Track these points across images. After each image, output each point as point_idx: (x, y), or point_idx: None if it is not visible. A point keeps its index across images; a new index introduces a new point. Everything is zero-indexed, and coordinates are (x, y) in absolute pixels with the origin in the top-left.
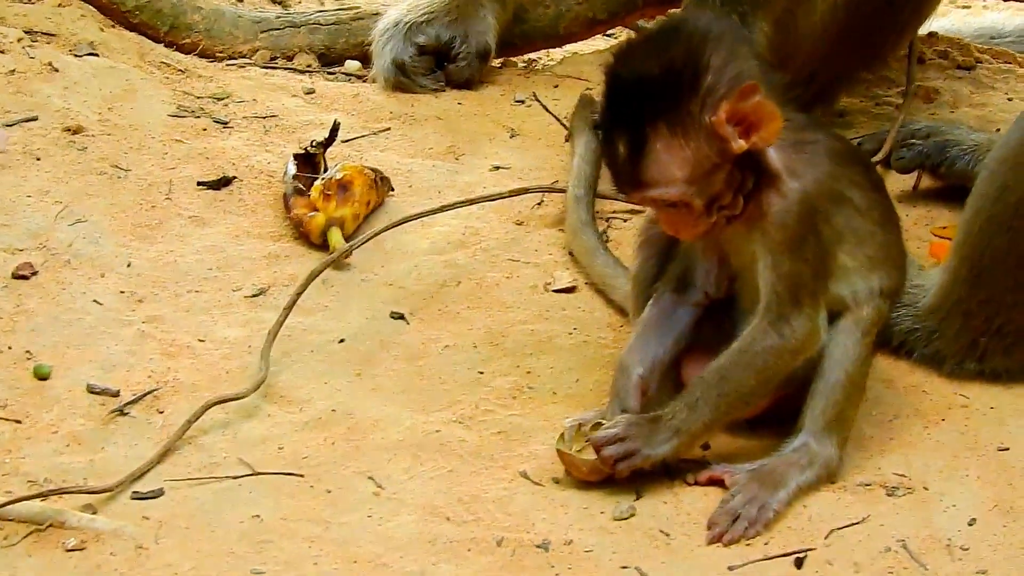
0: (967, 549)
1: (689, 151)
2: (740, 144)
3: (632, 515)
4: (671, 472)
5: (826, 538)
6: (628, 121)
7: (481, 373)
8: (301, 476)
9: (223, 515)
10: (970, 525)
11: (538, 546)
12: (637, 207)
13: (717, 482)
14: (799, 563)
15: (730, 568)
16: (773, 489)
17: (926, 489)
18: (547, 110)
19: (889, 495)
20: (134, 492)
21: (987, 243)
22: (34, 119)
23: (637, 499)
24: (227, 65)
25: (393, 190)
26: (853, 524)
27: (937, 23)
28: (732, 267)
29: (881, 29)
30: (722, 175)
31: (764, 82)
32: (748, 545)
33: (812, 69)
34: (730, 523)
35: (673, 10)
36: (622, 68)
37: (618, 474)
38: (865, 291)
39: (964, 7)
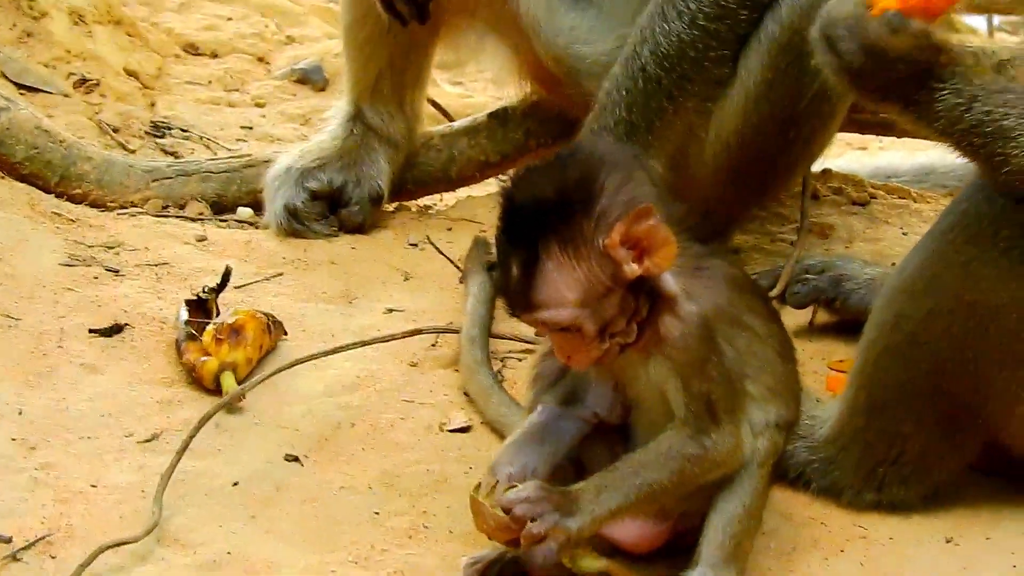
0: None
1: (581, 273)
2: (633, 268)
3: None
4: None
5: None
6: (521, 242)
7: (377, 513)
8: None
9: None
10: None
11: None
12: (532, 347)
13: None
14: None
15: None
16: None
17: None
18: (441, 253)
19: None
20: None
21: (884, 372)
22: None
23: None
24: (118, 214)
25: (287, 334)
26: None
27: (833, 163)
28: (628, 396)
29: (773, 166)
30: (615, 300)
31: (660, 207)
32: None
33: (705, 206)
34: None
35: None
36: (517, 189)
37: (525, 536)
38: (762, 422)
39: (860, 148)
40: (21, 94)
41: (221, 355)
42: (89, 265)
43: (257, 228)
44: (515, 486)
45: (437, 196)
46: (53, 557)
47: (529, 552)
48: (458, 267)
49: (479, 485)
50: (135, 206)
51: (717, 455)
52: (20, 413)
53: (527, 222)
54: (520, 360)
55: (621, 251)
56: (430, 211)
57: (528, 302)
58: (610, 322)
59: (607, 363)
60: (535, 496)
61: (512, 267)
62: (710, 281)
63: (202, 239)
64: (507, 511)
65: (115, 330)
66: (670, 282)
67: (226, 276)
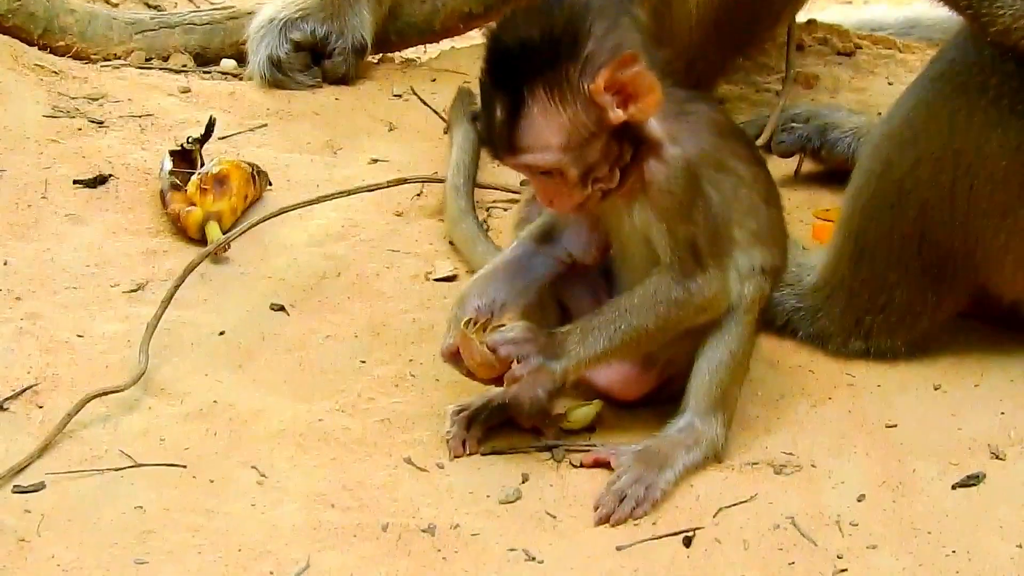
0: (856, 525)
1: (565, 118)
2: (618, 114)
3: (518, 498)
4: (556, 454)
5: (714, 517)
6: (506, 85)
7: (363, 362)
8: (183, 467)
9: (105, 507)
10: (859, 501)
11: (424, 531)
12: (516, 196)
13: (603, 464)
14: (687, 542)
15: (618, 548)
16: (659, 469)
17: (814, 467)
18: (425, 103)
19: (777, 473)
20: (15, 486)
21: (871, 220)
22: None
23: (523, 482)
24: (102, 67)
25: (271, 184)
26: (741, 502)
27: (818, 16)
28: (611, 241)
29: (757, 15)
30: (599, 145)
31: (645, 55)
32: (636, 525)
33: (689, 57)
34: (617, 503)
35: None
36: (504, 32)
37: (507, 378)
38: (747, 266)
39: (845, 2)
40: None
41: (206, 205)
42: (73, 117)
43: (241, 79)
44: (503, 325)
45: (421, 48)
46: (40, 407)
47: (516, 400)
48: (442, 117)
49: (470, 320)
50: (118, 58)
51: (702, 299)
52: (5, 264)
53: (513, 66)
54: (505, 209)
55: (606, 96)
56: (414, 62)
57: (512, 146)
58: (593, 167)
59: (590, 208)
60: (521, 337)
61: (496, 111)
62: (694, 126)
63: (186, 91)
64: (492, 351)
65: (99, 181)
66: (655, 127)
67: (210, 127)
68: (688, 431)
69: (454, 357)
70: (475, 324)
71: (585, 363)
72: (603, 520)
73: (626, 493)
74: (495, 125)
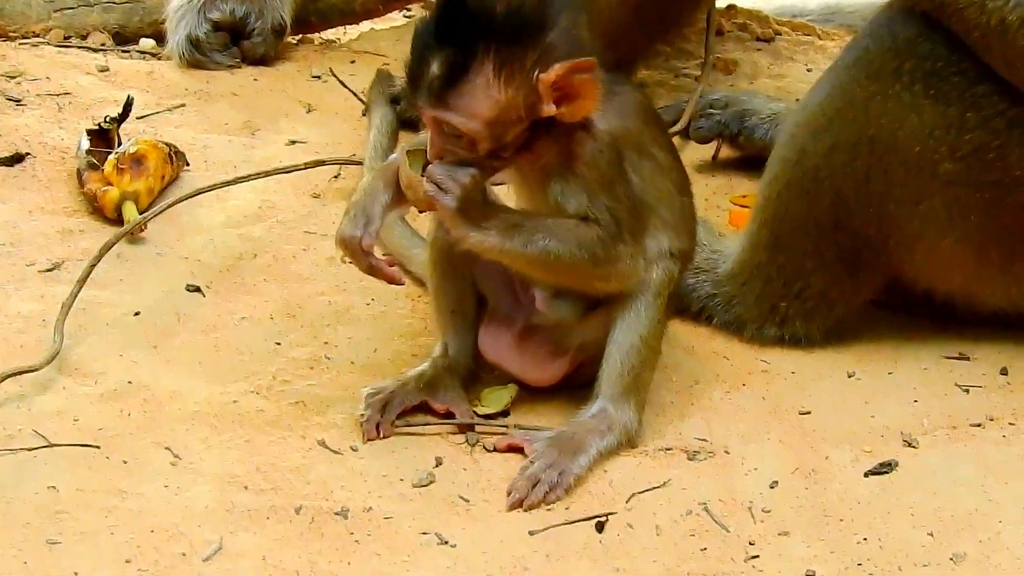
0: (769, 511)
1: (504, 96)
2: (550, 109)
3: (432, 482)
4: (470, 439)
5: (627, 502)
6: (456, 43)
7: (278, 344)
8: (97, 448)
9: (18, 487)
10: (772, 488)
11: (337, 513)
12: None
13: (516, 449)
14: (600, 527)
15: (531, 533)
16: (573, 455)
17: (727, 453)
18: (344, 85)
19: (690, 459)
20: None
21: (786, 207)
22: None
23: (437, 466)
24: (20, 44)
25: (188, 165)
26: (654, 488)
27: (738, 1)
28: (523, 203)
29: (677, 1)
30: (516, 130)
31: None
32: (549, 510)
33: (609, 40)
34: (530, 488)
35: None
36: None
37: (423, 198)
38: (656, 250)
39: None
40: None
41: (123, 185)
42: None
43: (159, 59)
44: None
45: (341, 29)
46: None
47: (431, 385)
48: (361, 99)
49: (415, 151)
50: (37, 36)
51: (617, 267)
52: None
53: (470, 28)
54: None
55: (548, 91)
56: (333, 44)
57: (440, 101)
58: (500, 148)
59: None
60: (456, 177)
61: (435, 62)
62: (622, 107)
63: (104, 69)
64: (429, 176)
65: (16, 159)
66: None
67: (128, 106)
68: (601, 417)
69: (345, 243)
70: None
71: (492, 251)
72: (516, 505)
73: (539, 478)
74: (428, 75)
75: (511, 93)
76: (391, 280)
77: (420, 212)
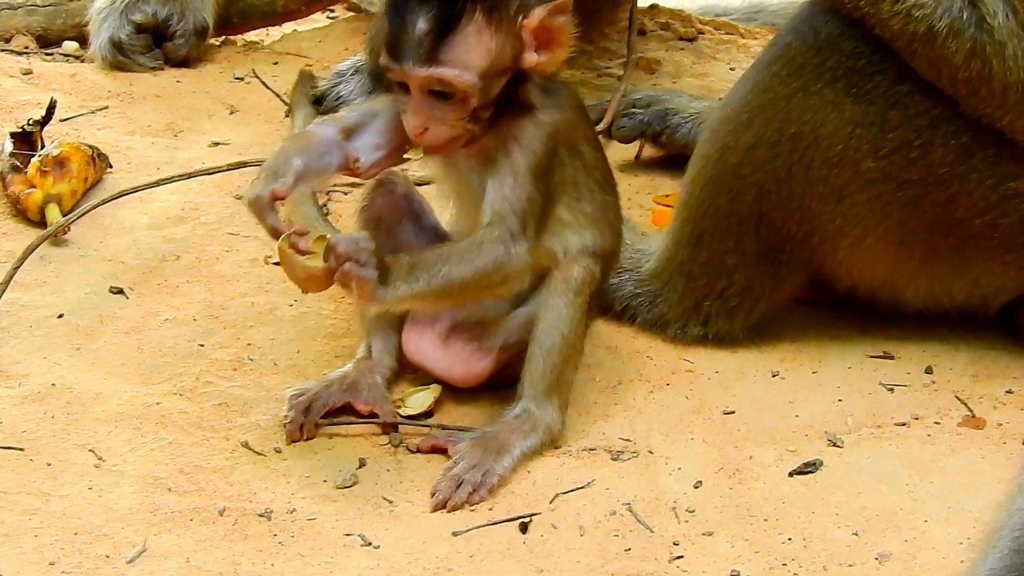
0: (693, 511)
1: (495, 44)
2: (532, 57)
3: (355, 483)
4: (393, 440)
5: (551, 502)
6: None
7: (201, 345)
8: (21, 450)
9: None
10: (696, 487)
11: (260, 515)
12: (358, 181)
13: (440, 450)
14: (524, 528)
15: (454, 534)
16: (496, 455)
17: (651, 453)
18: (266, 86)
19: (614, 459)
20: None
21: (708, 205)
22: None
23: (360, 467)
24: None
25: (112, 167)
26: (578, 488)
27: (660, 1)
28: (446, 188)
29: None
30: (501, 83)
31: None
32: (472, 511)
33: None
34: (454, 489)
35: None
36: None
37: (340, 275)
38: (577, 247)
39: None
40: None
41: (46, 187)
42: None
43: (82, 61)
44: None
45: (263, 30)
46: None
47: (354, 386)
48: (284, 101)
49: (287, 236)
50: None
51: (514, 267)
52: None
53: None
54: (345, 193)
55: (531, 37)
56: (256, 45)
57: (433, 55)
58: (485, 106)
59: (449, 151)
60: (363, 246)
61: (421, 20)
62: (560, 101)
63: (27, 72)
64: (330, 248)
65: None
66: (533, 94)
67: (51, 109)
68: (524, 417)
69: (252, 204)
70: (292, 238)
71: (404, 301)
72: (440, 506)
73: (463, 479)
74: (415, 32)
75: (500, 41)
76: (301, 248)
77: (307, 293)
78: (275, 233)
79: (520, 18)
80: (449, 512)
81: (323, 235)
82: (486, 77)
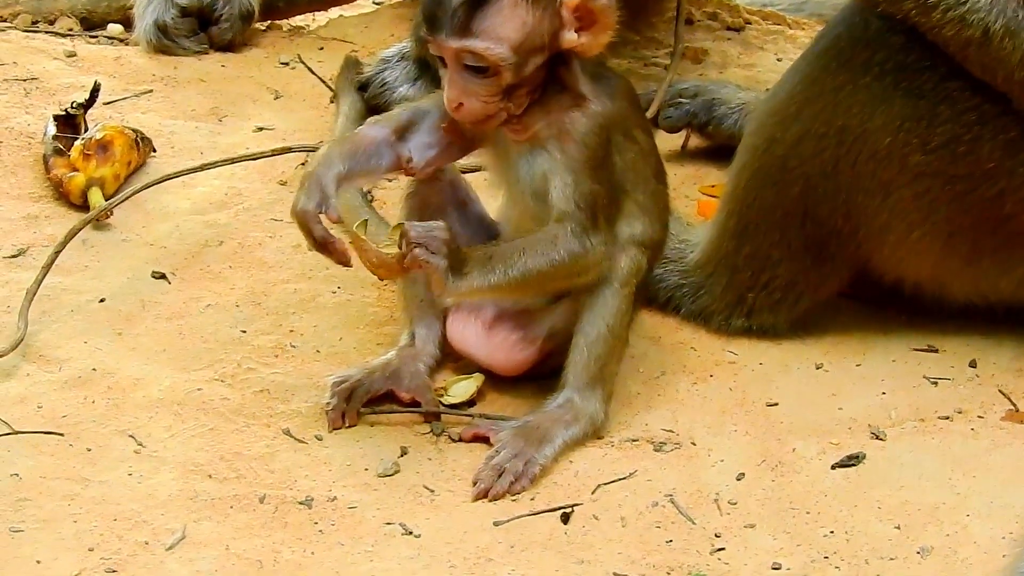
0: (735, 503)
1: (531, 19)
2: (572, 37)
3: (396, 471)
4: (435, 428)
5: (592, 493)
6: None
7: (243, 332)
8: (61, 435)
9: None
10: (738, 480)
11: (301, 503)
12: None
13: (482, 439)
14: (565, 518)
15: (495, 523)
16: (538, 445)
17: (694, 444)
18: (312, 72)
19: (656, 450)
20: None
21: (754, 197)
22: None
23: (402, 456)
24: None
25: (155, 151)
26: (620, 479)
27: None
28: (497, 179)
29: None
30: (537, 62)
31: None
32: (514, 501)
33: None
34: (495, 478)
35: None
36: None
37: (411, 260)
38: (626, 236)
39: None
40: None
41: (89, 171)
42: None
43: (127, 44)
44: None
45: (309, 16)
46: None
47: (396, 374)
48: (329, 86)
49: (364, 223)
50: (4, 21)
51: (591, 259)
52: None
53: None
54: (390, 181)
55: (570, 16)
56: (302, 30)
57: (466, 26)
58: (520, 84)
59: (488, 128)
60: (439, 235)
61: None
62: (612, 89)
63: (71, 55)
64: (404, 234)
65: None
66: (582, 81)
67: (95, 92)
68: (567, 407)
69: (299, 217)
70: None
71: (478, 291)
72: (481, 495)
73: (504, 468)
74: (450, 4)
75: (536, 16)
76: (340, 260)
77: (381, 280)
78: (320, 246)
79: None
80: (490, 502)
81: (400, 223)
82: (520, 52)
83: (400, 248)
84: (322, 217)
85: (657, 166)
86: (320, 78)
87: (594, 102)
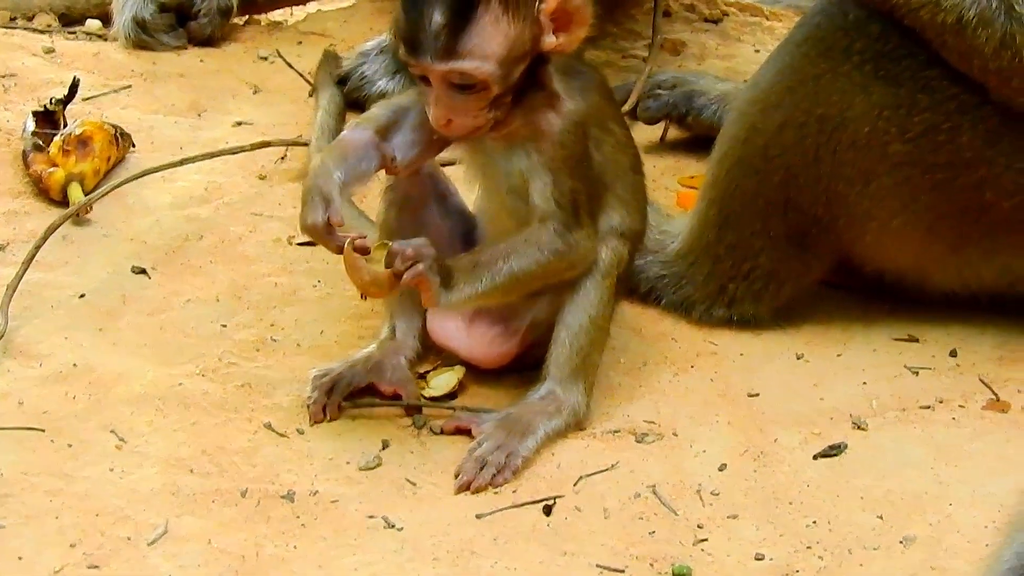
0: (718, 494)
1: (513, 31)
2: (551, 40)
3: (378, 465)
4: (417, 421)
5: (575, 485)
6: None
7: (224, 326)
8: (42, 430)
9: None
10: (720, 470)
11: (283, 497)
12: None
13: (464, 431)
14: (548, 510)
15: (478, 516)
16: (520, 436)
17: (676, 435)
18: (291, 66)
19: (639, 442)
20: None
21: (735, 186)
22: None
23: (384, 449)
24: None
25: (134, 146)
26: (602, 471)
27: None
28: (473, 180)
29: None
30: (521, 68)
31: None
32: (496, 493)
33: None
34: (477, 471)
35: None
36: None
37: (406, 279)
38: (606, 227)
39: None
40: None
41: (68, 166)
42: None
43: (105, 40)
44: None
45: (287, 10)
46: None
47: (378, 367)
48: (308, 80)
49: (352, 240)
50: None
51: (577, 255)
52: None
53: None
54: None
55: (549, 20)
56: (280, 25)
57: (452, 48)
58: (507, 91)
59: (477, 136)
60: (424, 251)
61: (437, 10)
62: (586, 84)
63: (50, 51)
64: (394, 253)
65: None
66: (555, 79)
67: (74, 87)
68: (549, 398)
69: (311, 231)
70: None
71: (469, 300)
72: (463, 487)
73: (487, 460)
74: (432, 26)
75: (519, 27)
76: (364, 252)
77: (370, 298)
78: (340, 250)
79: (538, 1)
80: (473, 494)
81: (384, 242)
82: (506, 65)
83: (390, 266)
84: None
85: (634, 158)
86: (299, 72)
87: (568, 100)
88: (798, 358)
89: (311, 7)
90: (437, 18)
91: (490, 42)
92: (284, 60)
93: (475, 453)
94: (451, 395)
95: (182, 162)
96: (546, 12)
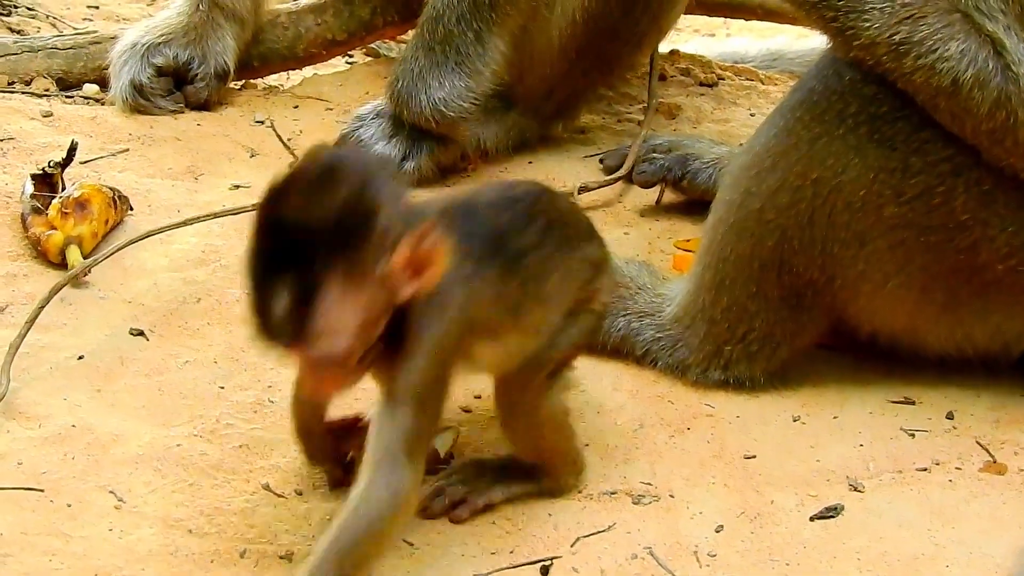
0: (714, 555)
1: (362, 301)
2: (407, 291)
3: None
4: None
5: (572, 546)
6: (292, 269)
7: (222, 388)
8: (41, 491)
9: None
10: (717, 532)
11: (282, 557)
12: None
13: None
14: (545, 571)
15: None
16: (491, 483)
17: (672, 497)
18: (281, 139)
19: (635, 503)
20: None
21: (731, 250)
22: None
23: None
24: None
25: (132, 209)
26: (599, 532)
27: (681, 47)
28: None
29: (618, 44)
30: (382, 322)
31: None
32: (493, 554)
33: (550, 85)
34: (431, 499)
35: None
36: (283, 210)
37: None
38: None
39: (708, 35)
40: None
41: (66, 229)
42: None
43: (103, 104)
44: None
45: (284, 74)
46: None
47: None
48: (291, 151)
49: None
50: None
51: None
52: None
53: (300, 248)
54: None
55: (403, 273)
56: (276, 89)
57: (301, 336)
58: (373, 346)
59: (353, 382)
60: None
61: (277, 298)
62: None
63: (48, 115)
64: None
65: None
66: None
67: (72, 151)
68: (534, 470)
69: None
70: None
71: None
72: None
73: (443, 490)
74: (276, 314)
75: (368, 295)
76: None
77: None
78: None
79: (383, 263)
80: (429, 519)
81: None
82: (364, 330)
83: None
84: None
85: (560, 241)
86: (284, 144)
87: (428, 327)
88: (794, 420)
89: (307, 71)
90: (279, 303)
91: (341, 320)
92: (274, 131)
93: (437, 483)
94: (445, 461)
95: (180, 224)
96: (398, 267)
